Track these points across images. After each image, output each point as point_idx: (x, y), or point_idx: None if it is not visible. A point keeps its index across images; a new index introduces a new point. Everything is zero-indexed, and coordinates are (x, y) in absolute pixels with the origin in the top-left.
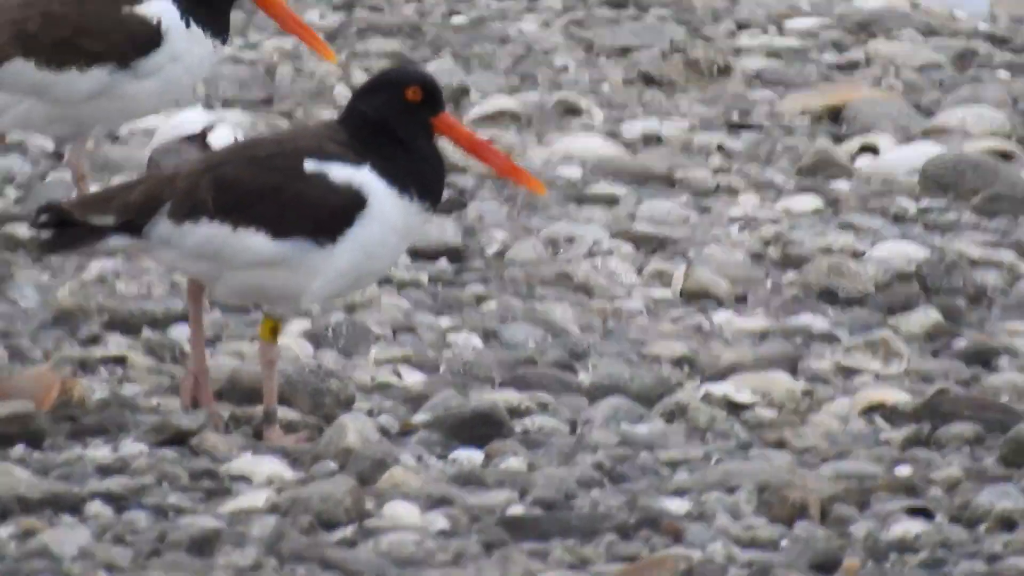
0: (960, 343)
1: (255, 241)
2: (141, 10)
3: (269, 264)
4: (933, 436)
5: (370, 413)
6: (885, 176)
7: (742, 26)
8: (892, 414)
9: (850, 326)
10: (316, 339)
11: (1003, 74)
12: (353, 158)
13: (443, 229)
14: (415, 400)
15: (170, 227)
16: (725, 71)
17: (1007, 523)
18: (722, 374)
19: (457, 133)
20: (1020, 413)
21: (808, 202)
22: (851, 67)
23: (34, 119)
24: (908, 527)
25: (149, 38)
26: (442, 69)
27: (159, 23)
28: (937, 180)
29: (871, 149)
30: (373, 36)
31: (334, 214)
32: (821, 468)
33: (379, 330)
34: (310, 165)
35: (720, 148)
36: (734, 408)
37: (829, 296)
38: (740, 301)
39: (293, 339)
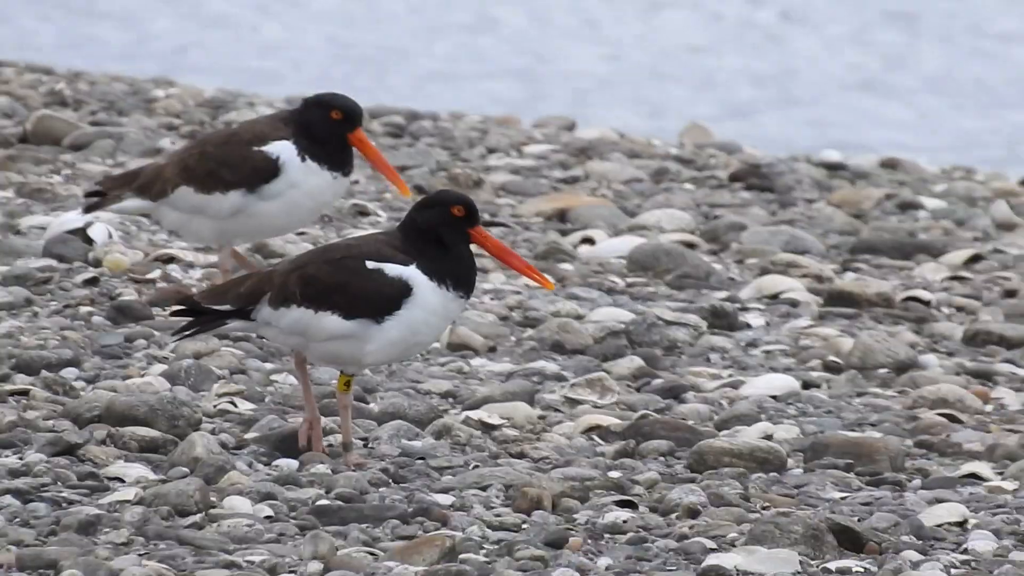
0: (657, 382)
1: (330, 321)
2: (265, 149)
3: (341, 337)
4: (637, 449)
5: (213, 432)
6: (600, 260)
7: (491, 150)
8: (606, 433)
9: (575, 369)
10: (172, 377)
11: (688, 186)
12: (404, 259)
13: None
14: (247, 423)
15: (270, 312)
16: (479, 183)
17: (692, 512)
18: (478, 404)
19: (488, 242)
20: (702, 433)
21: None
22: (573, 180)
23: (197, 231)
24: (618, 515)
25: (269, 170)
26: None
27: (278, 159)
28: (640, 263)
29: (589, 240)
30: None
31: (388, 300)
32: (552, 472)
33: (220, 371)
34: (371, 264)
35: None
36: (487, 428)
37: (558, 347)
38: (491, 351)
39: (154, 377)
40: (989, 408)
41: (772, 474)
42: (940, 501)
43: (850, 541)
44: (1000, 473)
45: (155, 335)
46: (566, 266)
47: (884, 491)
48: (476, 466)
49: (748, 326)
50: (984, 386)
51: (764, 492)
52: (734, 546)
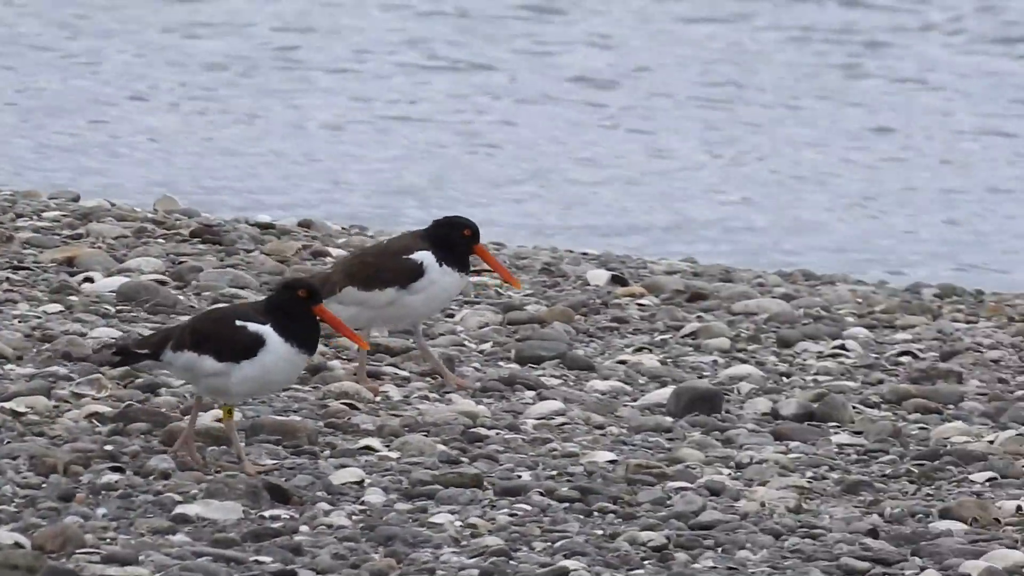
0: (139, 381)
1: (208, 362)
2: (412, 257)
3: (215, 375)
4: (125, 429)
5: None
6: (98, 293)
7: (19, 215)
8: (103, 418)
9: (79, 372)
10: None
11: (160, 240)
12: (262, 320)
13: None
14: None
15: (171, 355)
16: (10, 239)
17: (165, 475)
18: (9, 397)
19: (325, 314)
20: (172, 417)
21: None
22: (78, 237)
23: (361, 320)
24: (111, 477)
25: (416, 272)
26: None
27: (421, 263)
28: (126, 295)
29: (90, 280)
30: None
31: (247, 348)
32: (64, 446)
33: None
34: (239, 322)
35: None
36: (16, 415)
37: (68, 356)
38: (19, 359)
39: None
40: (379, 399)
41: (223, 447)
42: (344, 467)
43: (280, 496)
44: (387, 446)
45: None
46: (73, 298)
47: (304, 459)
48: (8, 442)
49: None
50: (375, 383)
51: (217, 460)
52: (195, 499)
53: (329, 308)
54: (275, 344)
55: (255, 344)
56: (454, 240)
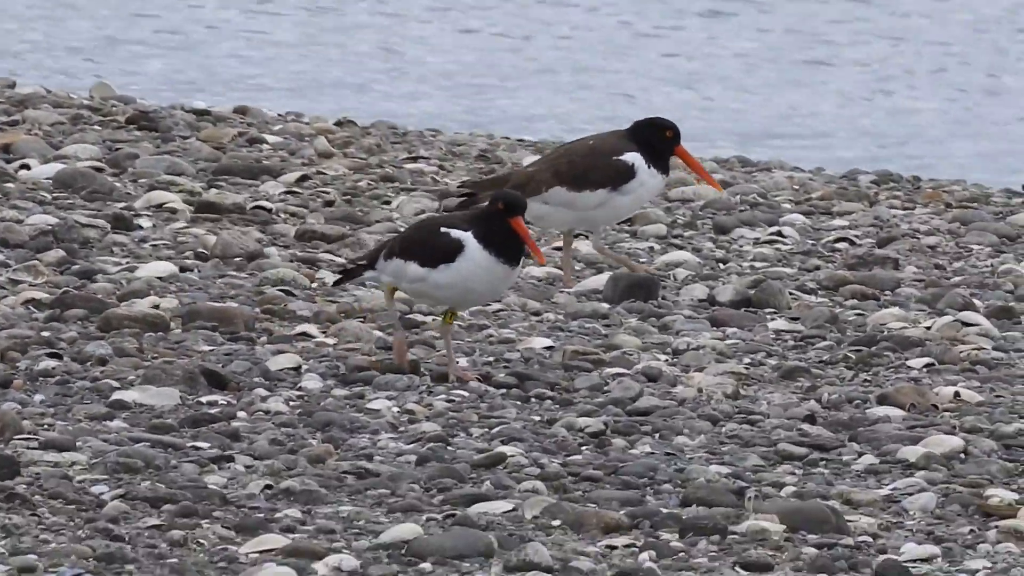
0: (75, 267)
1: (412, 268)
2: (623, 158)
3: (418, 280)
4: (62, 315)
5: None
6: (34, 180)
7: None
8: (39, 304)
9: (16, 258)
10: None
11: (97, 127)
12: (465, 227)
13: None
14: None
15: (383, 263)
16: None
17: (102, 361)
18: None
19: (519, 227)
20: (108, 304)
21: None
22: (14, 123)
23: (566, 221)
24: (48, 363)
25: (628, 173)
26: None
27: (632, 165)
28: (62, 182)
29: (27, 167)
30: None
31: (448, 253)
32: (1, 333)
33: None
34: (443, 229)
35: None
36: None
37: (4, 243)
38: None
39: None
40: (315, 285)
41: (160, 333)
42: (281, 353)
43: (217, 382)
44: (324, 332)
45: None
46: (9, 185)
47: (241, 345)
48: None
49: (140, 227)
50: (311, 269)
51: (154, 347)
52: (133, 385)
53: (534, 207)
54: (473, 250)
55: (454, 250)
56: (657, 141)
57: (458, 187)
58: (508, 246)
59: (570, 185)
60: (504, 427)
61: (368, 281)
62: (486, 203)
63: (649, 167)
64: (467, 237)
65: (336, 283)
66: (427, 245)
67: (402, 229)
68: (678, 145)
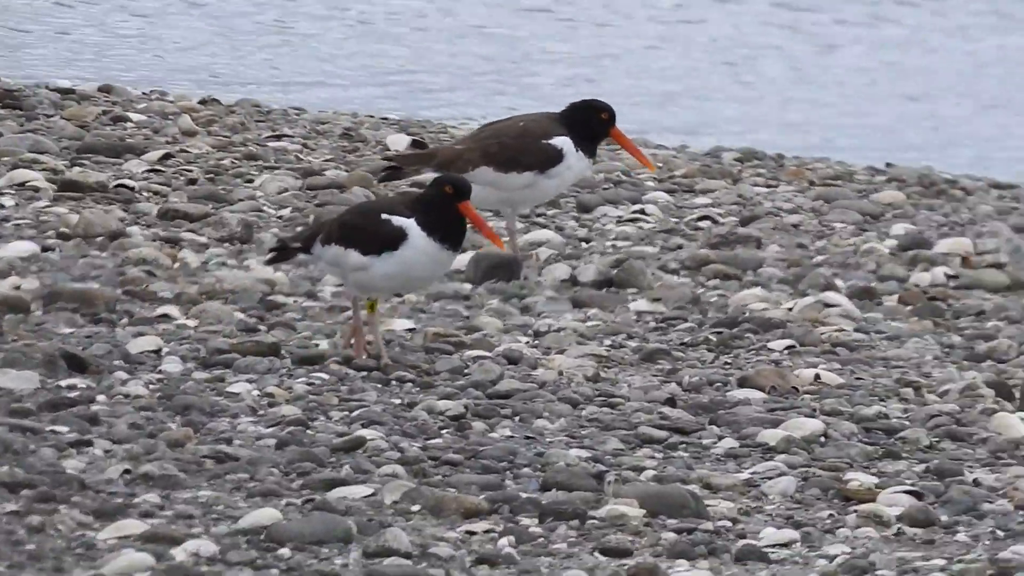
0: None
1: (353, 256)
2: (552, 142)
3: (359, 268)
4: None
5: None
6: None
7: None
8: None
9: None
10: None
11: None
12: (407, 214)
13: None
14: None
15: (320, 248)
16: None
17: None
18: None
19: (469, 213)
20: None
21: None
22: None
23: (490, 201)
24: None
25: (556, 156)
26: None
27: (561, 149)
28: None
29: None
30: None
31: (390, 241)
32: None
33: None
34: (384, 216)
35: None
36: None
37: None
38: None
39: None
40: (177, 265)
41: (20, 315)
42: (142, 335)
43: (77, 365)
44: (185, 314)
45: None
46: None
47: (101, 328)
48: None
49: (2, 206)
50: (173, 249)
51: (14, 329)
52: None
53: None
54: (416, 238)
55: (397, 237)
56: (592, 123)
57: (383, 159)
58: (451, 231)
59: (498, 166)
60: (364, 410)
61: (303, 264)
62: (429, 186)
63: (577, 151)
64: (410, 224)
65: (268, 262)
66: (368, 232)
67: (340, 212)
68: (613, 127)
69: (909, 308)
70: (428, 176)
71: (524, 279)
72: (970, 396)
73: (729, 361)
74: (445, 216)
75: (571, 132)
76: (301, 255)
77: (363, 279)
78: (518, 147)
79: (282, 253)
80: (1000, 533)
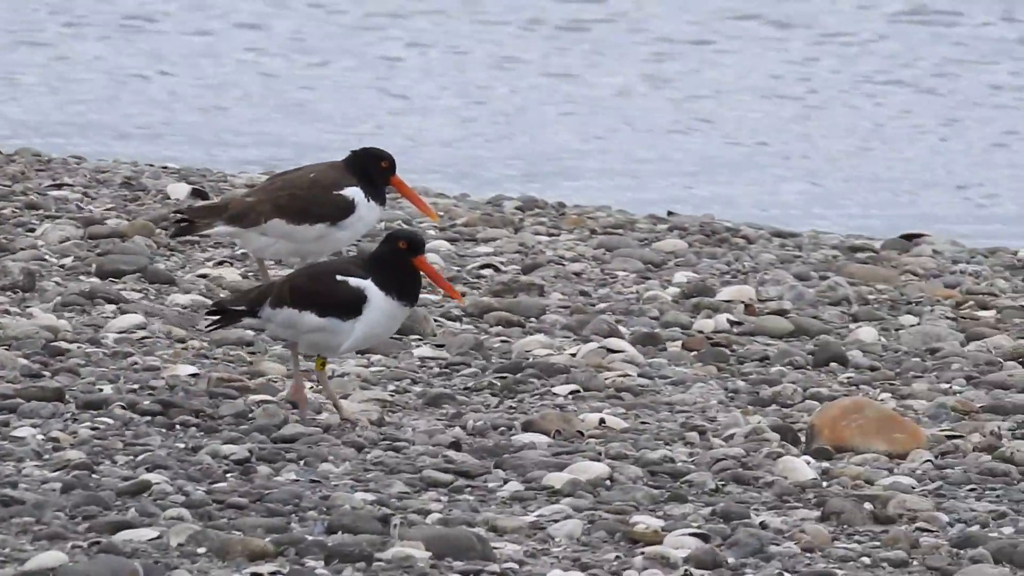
0: None
1: (309, 318)
2: (343, 193)
3: (317, 331)
4: None
5: None
6: None
7: None
8: None
9: None
10: None
11: None
12: (363, 274)
13: None
14: None
15: (270, 311)
16: None
17: None
18: None
19: (424, 266)
20: None
21: None
22: None
23: (283, 252)
24: None
25: (348, 208)
26: None
27: (353, 200)
28: None
29: None
30: None
31: (351, 304)
32: None
33: None
34: (340, 277)
35: None
36: None
37: None
38: None
39: None
40: None
41: None
42: None
43: None
44: None
45: None
46: None
47: None
48: None
49: None
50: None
51: None
52: None
53: (251, 238)
54: (377, 299)
55: (358, 300)
56: (374, 172)
57: (173, 212)
58: (407, 287)
59: (290, 218)
60: (149, 455)
61: (250, 328)
62: (382, 243)
63: (368, 200)
64: (368, 285)
65: (209, 327)
66: (325, 295)
67: (286, 274)
68: (393, 175)
69: (693, 354)
70: (221, 229)
71: None
72: (755, 440)
73: (514, 406)
74: (401, 272)
75: (360, 181)
76: (247, 319)
77: (319, 340)
78: (309, 199)
79: (225, 317)
80: (787, 575)
